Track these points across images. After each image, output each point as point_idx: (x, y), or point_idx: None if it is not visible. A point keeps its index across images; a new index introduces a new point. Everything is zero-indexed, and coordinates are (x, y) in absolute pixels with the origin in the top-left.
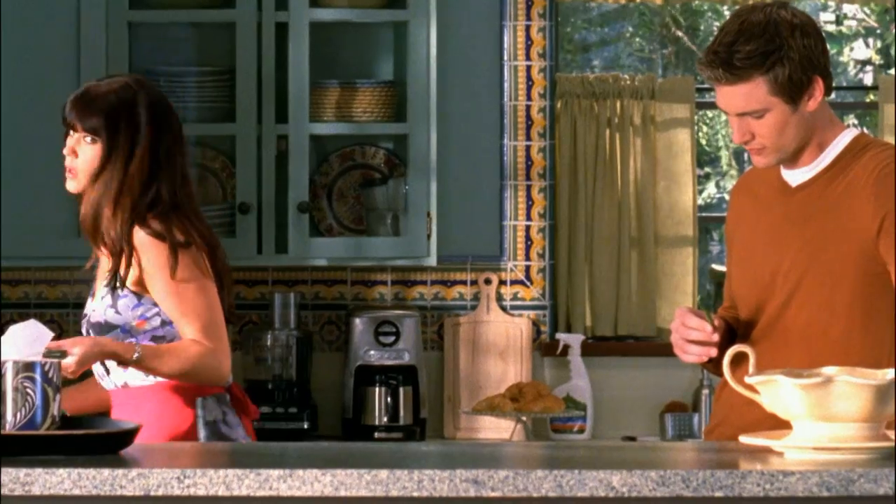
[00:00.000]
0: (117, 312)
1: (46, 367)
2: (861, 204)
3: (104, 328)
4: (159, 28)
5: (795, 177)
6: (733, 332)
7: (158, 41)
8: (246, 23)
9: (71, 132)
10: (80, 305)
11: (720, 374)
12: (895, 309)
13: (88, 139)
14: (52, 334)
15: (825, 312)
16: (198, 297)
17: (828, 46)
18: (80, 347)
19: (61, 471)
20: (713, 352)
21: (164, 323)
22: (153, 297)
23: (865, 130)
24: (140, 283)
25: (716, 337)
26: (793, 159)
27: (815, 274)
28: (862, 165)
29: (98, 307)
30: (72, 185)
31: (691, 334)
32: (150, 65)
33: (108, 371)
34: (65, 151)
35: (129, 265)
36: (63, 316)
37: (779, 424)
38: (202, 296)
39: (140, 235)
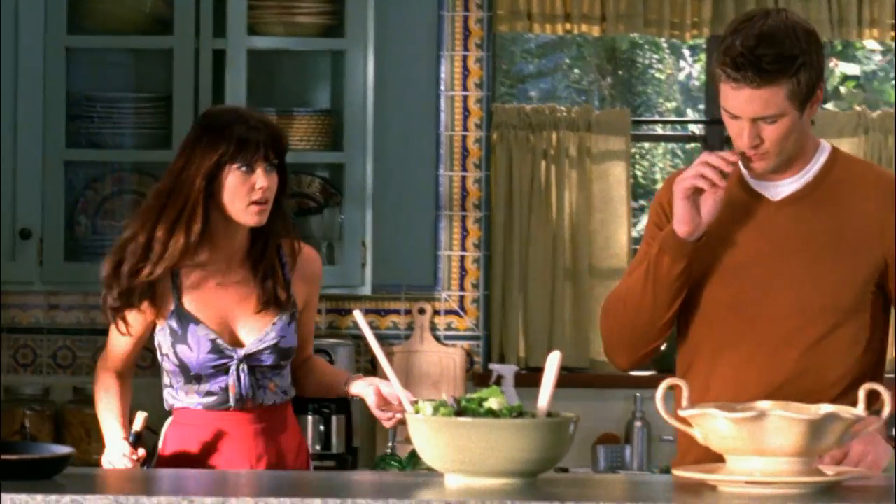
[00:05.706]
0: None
1: None
2: (874, 229)
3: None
4: (97, 53)
5: (779, 189)
6: None
7: (96, 66)
8: (183, 50)
9: (266, 165)
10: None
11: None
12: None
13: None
14: None
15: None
16: None
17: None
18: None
19: None
20: (722, 182)
21: None
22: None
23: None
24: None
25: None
26: (784, 167)
27: (820, 284)
28: (870, 185)
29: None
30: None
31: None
32: (87, 90)
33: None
34: (265, 184)
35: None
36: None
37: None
38: None
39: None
